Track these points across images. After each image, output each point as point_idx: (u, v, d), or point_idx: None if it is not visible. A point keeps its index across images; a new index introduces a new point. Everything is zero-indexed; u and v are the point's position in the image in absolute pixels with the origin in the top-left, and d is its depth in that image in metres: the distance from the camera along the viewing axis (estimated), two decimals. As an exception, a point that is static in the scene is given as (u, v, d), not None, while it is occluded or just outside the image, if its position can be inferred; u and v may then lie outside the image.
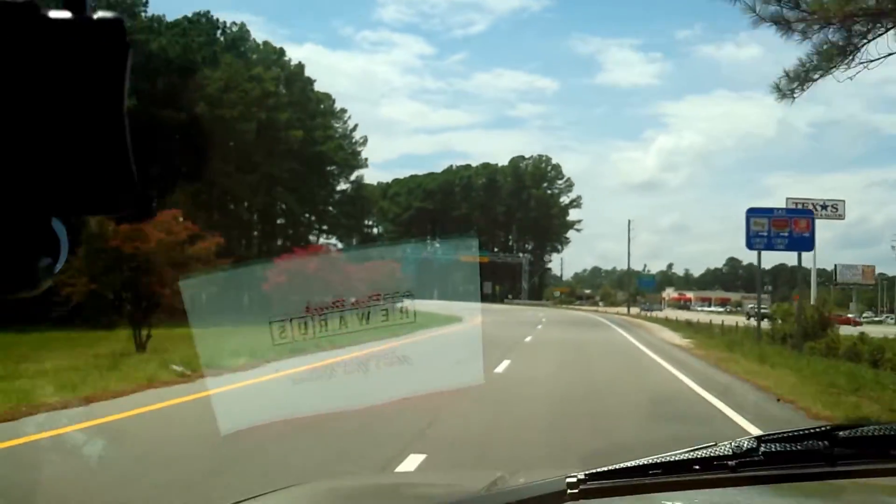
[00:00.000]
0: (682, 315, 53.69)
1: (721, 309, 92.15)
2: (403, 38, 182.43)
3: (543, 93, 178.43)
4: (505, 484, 1.32)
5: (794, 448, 1.13)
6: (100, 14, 0.54)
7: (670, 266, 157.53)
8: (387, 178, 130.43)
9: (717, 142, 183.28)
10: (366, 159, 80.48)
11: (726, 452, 1.14)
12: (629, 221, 79.72)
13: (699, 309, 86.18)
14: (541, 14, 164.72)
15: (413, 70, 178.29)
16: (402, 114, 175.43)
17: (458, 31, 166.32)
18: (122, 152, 0.54)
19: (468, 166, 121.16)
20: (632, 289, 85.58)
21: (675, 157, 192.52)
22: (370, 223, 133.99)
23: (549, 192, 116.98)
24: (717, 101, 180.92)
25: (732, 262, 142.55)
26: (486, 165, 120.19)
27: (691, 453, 1.17)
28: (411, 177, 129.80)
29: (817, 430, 1.18)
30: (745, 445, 1.14)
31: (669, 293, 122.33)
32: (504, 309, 65.66)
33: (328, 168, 74.29)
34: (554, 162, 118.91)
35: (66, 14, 0.53)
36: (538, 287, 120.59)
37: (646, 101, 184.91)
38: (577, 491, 1.14)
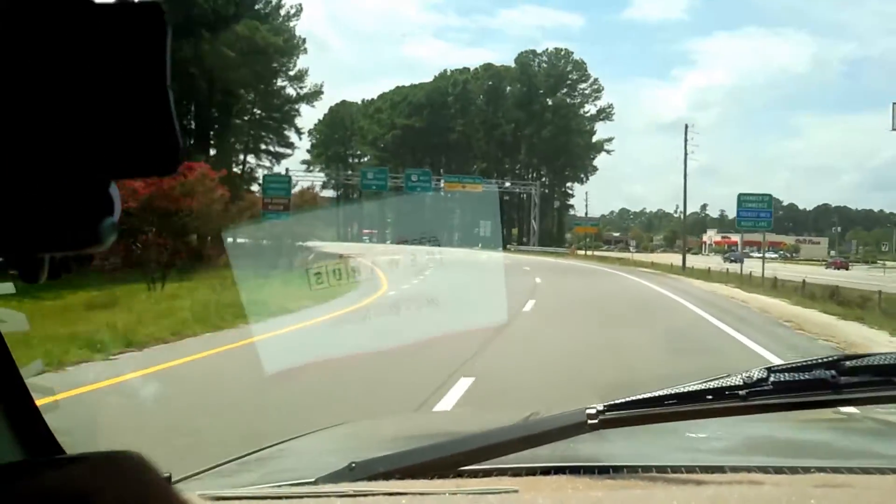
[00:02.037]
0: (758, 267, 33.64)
1: (774, 255, 76.80)
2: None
3: (569, 29, 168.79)
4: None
5: (801, 377, 1.21)
6: None
7: (704, 207, 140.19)
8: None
9: (748, 79, 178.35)
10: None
11: (738, 383, 1.21)
12: (686, 128, 52.77)
13: (755, 255, 61.56)
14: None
15: (437, 6, 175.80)
16: (425, 53, 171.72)
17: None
18: (167, 120, 0.59)
19: (465, 69, 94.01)
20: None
21: (704, 95, 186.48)
22: (349, 150, 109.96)
23: (568, 99, 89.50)
24: (748, 37, 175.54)
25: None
26: (487, 67, 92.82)
27: (705, 384, 1.24)
28: (396, 88, 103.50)
29: (826, 360, 1.24)
30: (756, 376, 1.21)
31: (711, 236, 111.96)
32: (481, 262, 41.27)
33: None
34: (575, 58, 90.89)
35: None
36: (556, 227, 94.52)
37: (675, 38, 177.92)
38: (596, 421, 1.24)
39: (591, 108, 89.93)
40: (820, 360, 1.24)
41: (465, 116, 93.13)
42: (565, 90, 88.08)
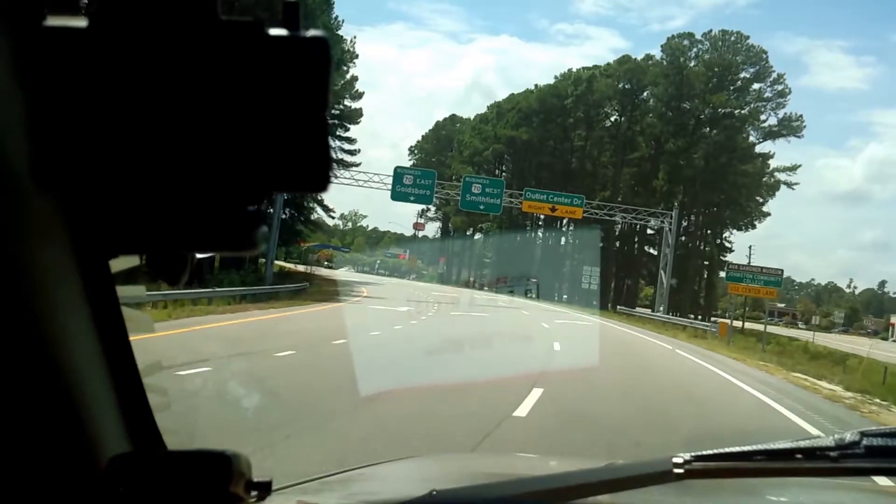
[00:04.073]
0: None
1: None
2: (598, 32, 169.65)
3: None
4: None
5: (895, 443, 1.18)
6: (310, 32, 0.66)
7: (882, 284, 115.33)
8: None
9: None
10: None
11: (829, 444, 1.18)
12: None
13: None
14: (745, 10, 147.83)
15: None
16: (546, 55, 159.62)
17: (655, 26, 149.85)
18: (323, 143, 0.67)
19: (593, 66, 69.51)
20: None
21: (883, 167, 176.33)
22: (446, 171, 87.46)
23: (736, 105, 62.26)
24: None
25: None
26: (623, 60, 67.43)
27: (795, 443, 1.22)
28: (510, 96, 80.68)
29: None
30: (848, 438, 1.18)
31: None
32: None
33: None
34: (751, 43, 62.87)
35: (282, 31, 0.66)
36: (700, 288, 67.92)
37: (853, 108, 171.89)
38: (682, 471, 1.22)
39: (770, 117, 62.74)
40: None
41: (587, 127, 68.79)
42: (732, 91, 61.66)
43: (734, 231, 68.65)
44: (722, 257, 71.77)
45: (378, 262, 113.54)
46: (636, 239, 70.37)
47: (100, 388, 0.94)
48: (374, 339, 16.50)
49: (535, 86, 74.67)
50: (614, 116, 68.75)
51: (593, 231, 66.09)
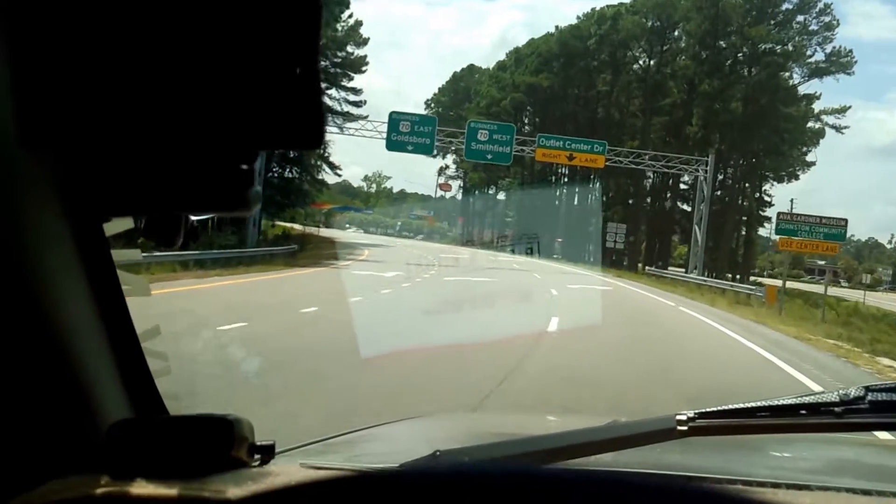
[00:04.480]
0: None
1: None
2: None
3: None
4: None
5: None
6: None
7: None
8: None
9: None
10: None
11: (834, 399, 1.20)
12: None
13: None
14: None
15: None
16: None
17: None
18: (316, 98, 0.64)
19: (619, 3, 63.12)
20: None
21: None
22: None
23: (777, 41, 55.36)
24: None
25: None
26: (651, -6, 61.28)
27: (799, 399, 1.23)
28: (529, 42, 74.91)
29: None
30: (853, 394, 1.19)
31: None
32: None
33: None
34: None
35: None
36: (737, 246, 62.51)
37: (893, 59, 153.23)
38: (686, 428, 1.23)
39: (814, 55, 56.29)
40: None
41: (613, 70, 63.03)
42: (774, 25, 55.26)
43: (774, 183, 62.90)
44: (761, 212, 66.16)
45: (399, 223, 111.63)
46: (668, 194, 64.80)
47: (98, 354, 0.95)
48: (304, 317, 11.84)
49: (556, 27, 68.78)
50: (643, 59, 62.71)
51: (618, 183, 60.86)
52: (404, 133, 36.48)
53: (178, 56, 0.62)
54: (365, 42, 55.13)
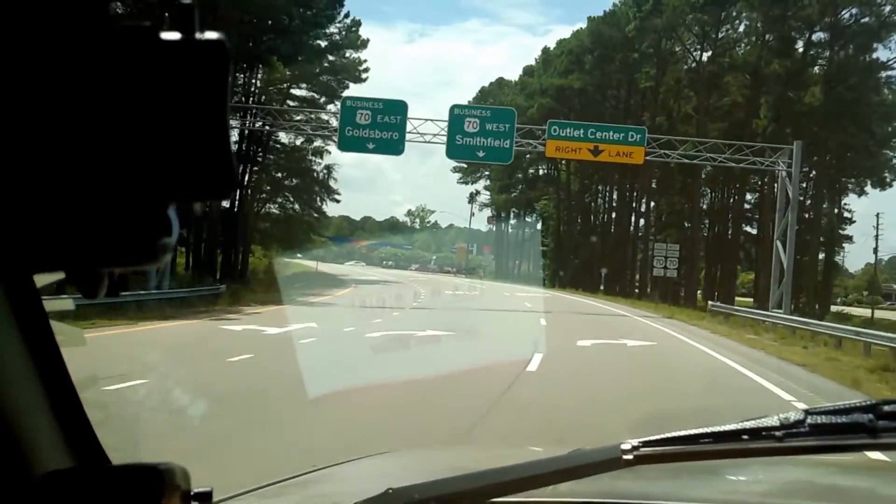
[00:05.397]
0: None
1: None
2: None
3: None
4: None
5: (838, 421, 1.20)
6: (207, 35, 0.64)
7: None
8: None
9: None
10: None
11: (774, 423, 1.21)
12: None
13: None
14: None
15: None
16: None
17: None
18: (225, 149, 0.64)
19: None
20: None
21: None
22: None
23: (864, 17, 42.41)
24: None
25: None
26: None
27: (741, 424, 1.24)
28: (558, 43, 64.68)
29: (864, 404, 1.22)
30: (793, 418, 1.21)
31: None
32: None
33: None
34: None
35: (175, 35, 0.63)
36: (821, 272, 50.66)
37: None
38: (631, 457, 1.24)
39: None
40: (858, 404, 1.21)
41: (657, 63, 52.25)
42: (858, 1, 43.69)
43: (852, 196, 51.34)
44: (841, 230, 54.37)
45: (434, 258, 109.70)
46: (729, 214, 53.56)
47: (34, 403, 0.95)
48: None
49: (588, 18, 58.25)
50: (694, 48, 51.67)
51: (671, 202, 49.70)
52: (362, 126, 26.35)
53: (81, 111, 0.61)
54: (364, 44, 45.84)
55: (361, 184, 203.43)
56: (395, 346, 14.23)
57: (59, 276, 0.75)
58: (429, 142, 27.29)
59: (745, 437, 1.20)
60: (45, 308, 0.91)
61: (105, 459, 1.04)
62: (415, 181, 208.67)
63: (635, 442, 1.23)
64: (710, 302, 29.22)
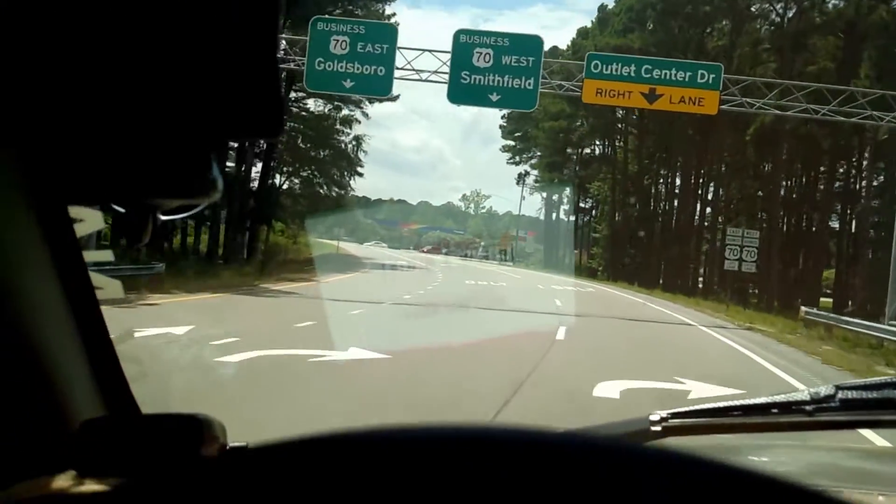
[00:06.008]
0: None
1: None
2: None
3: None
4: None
5: (869, 396, 1.20)
6: None
7: None
8: None
9: None
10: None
11: (805, 398, 1.22)
12: None
13: None
14: None
15: None
16: None
17: None
18: (275, 87, 0.65)
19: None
20: None
21: None
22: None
23: None
24: None
25: None
26: None
27: (771, 398, 1.24)
28: (619, 0, 56.79)
29: (894, 379, 1.22)
30: (823, 392, 1.21)
31: None
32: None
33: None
34: None
35: None
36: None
37: None
38: (659, 428, 1.24)
39: None
40: (889, 380, 1.20)
41: (733, 18, 44.23)
42: None
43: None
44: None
45: (482, 244, 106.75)
46: (816, 198, 45.38)
47: (70, 353, 0.96)
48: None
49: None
50: (779, 3, 43.52)
51: (743, 185, 41.73)
52: (338, 57, 19.57)
53: (135, 47, 0.63)
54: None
55: (422, 168, 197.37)
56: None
57: (98, 225, 0.75)
58: (425, 80, 20.39)
59: (775, 410, 1.18)
60: (84, 259, 0.89)
61: (138, 410, 1.03)
62: (475, 168, 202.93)
63: (664, 413, 1.21)
64: (803, 308, 21.66)
